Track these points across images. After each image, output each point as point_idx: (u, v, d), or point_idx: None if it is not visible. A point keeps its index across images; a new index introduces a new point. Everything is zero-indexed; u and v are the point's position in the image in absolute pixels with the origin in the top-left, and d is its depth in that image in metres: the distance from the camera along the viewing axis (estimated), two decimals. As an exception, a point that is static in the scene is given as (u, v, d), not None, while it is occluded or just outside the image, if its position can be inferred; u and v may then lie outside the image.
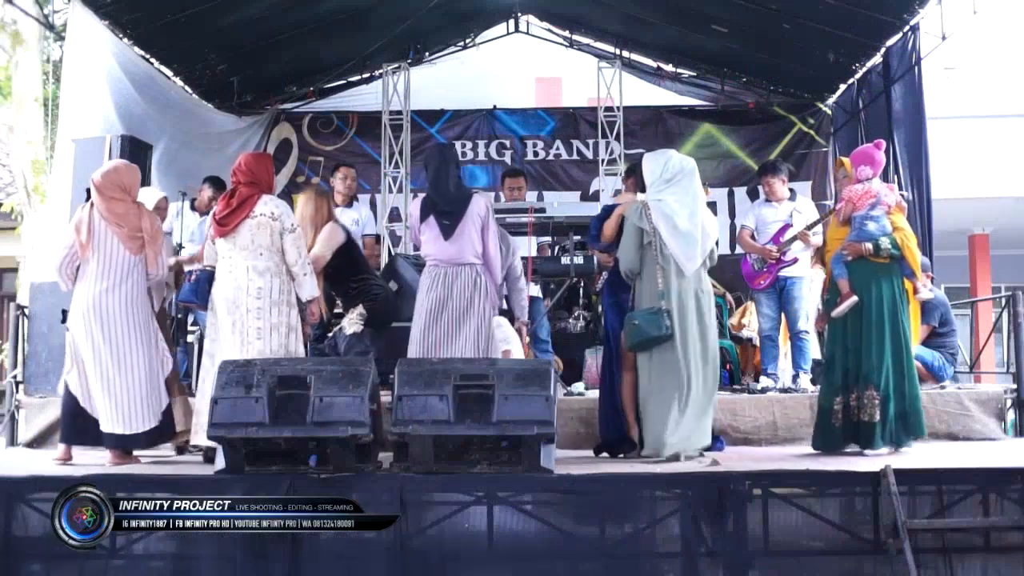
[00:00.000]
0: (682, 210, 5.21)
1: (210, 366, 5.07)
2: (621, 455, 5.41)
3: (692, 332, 5.18)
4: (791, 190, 7.41)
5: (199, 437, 5.09)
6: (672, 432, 5.03)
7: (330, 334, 5.88)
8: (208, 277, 5.19)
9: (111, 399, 5.05)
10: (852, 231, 5.63)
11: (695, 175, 5.33)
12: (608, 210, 5.72)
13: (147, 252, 5.14)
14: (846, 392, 5.47)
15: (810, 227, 6.96)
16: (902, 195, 6.14)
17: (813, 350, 7.08)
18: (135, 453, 5.22)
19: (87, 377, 5.10)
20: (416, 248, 5.96)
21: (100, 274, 5.10)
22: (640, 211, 5.26)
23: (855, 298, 5.46)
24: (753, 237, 7.20)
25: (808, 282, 7.15)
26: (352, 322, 5.34)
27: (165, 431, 5.24)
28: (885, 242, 5.48)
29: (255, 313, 5.05)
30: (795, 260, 7.02)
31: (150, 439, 5.17)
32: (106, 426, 5.06)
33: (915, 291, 5.67)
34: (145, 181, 7.10)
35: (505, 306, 6.13)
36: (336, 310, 6.17)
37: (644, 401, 5.20)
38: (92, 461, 5.16)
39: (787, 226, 7.04)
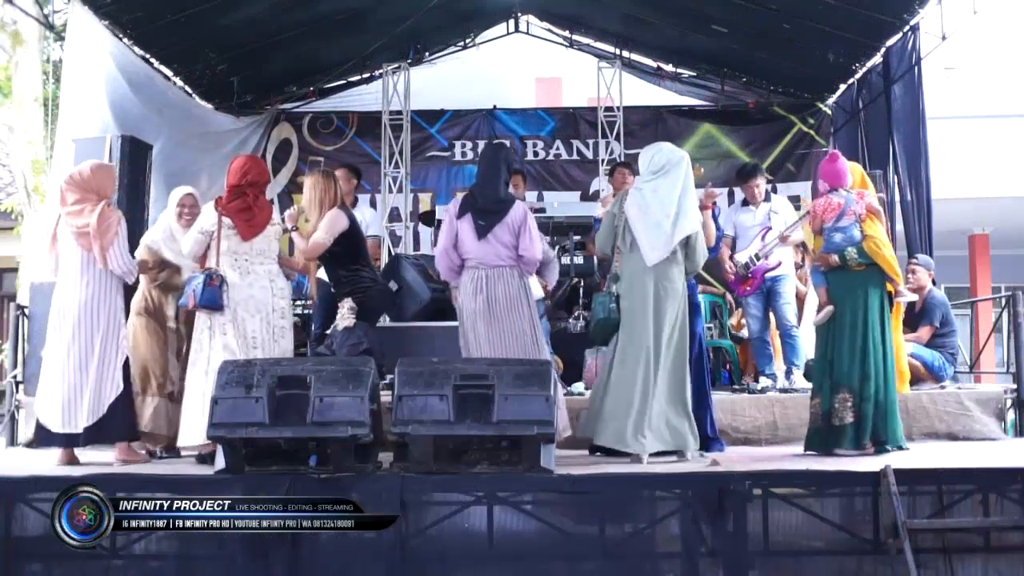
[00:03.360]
0: (655, 199, 5.19)
1: (204, 371, 5.11)
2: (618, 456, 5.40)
3: (641, 324, 5.12)
4: (766, 191, 7.41)
5: (184, 439, 5.13)
6: (602, 423, 5.11)
7: (328, 332, 5.86)
8: (223, 279, 5.17)
9: (64, 398, 5.08)
10: (822, 243, 5.71)
11: (681, 165, 5.27)
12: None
13: (94, 247, 5.11)
14: (823, 395, 5.52)
15: (789, 228, 6.97)
16: (880, 198, 6.14)
17: (807, 348, 7.07)
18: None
19: (46, 376, 5.18)
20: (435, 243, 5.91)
21: (60, 273, 5.22)
22: (621, 198, 5.36)
23: (830, 308, 5.57)
24: (733, 244, 7.19)
25: (792, 279, 7.16)
26: (343, 317, 5.34)
27: (109, 430, 5.16)
28: (851, 252, 5.53)
29: (280, 313, 5.24)
30: (779, 264, 7.02)
31: (93, 436, 5.13)
32: (55, 426, 5.08)
33: (896, 294, 5.69)
34: (146, 181, 7.15)
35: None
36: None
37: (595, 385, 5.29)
38: (93, 461, 5.17)
39: (766, 229, 7.04)
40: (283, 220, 5.49)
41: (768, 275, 7.01)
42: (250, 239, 5.19)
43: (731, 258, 7.12)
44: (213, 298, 5.11)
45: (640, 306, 5.15)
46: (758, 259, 7.00)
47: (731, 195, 10.65)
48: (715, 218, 6.21)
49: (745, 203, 7.31)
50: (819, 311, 5.70)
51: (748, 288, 7.06)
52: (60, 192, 5.27)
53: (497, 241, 5.30)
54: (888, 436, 5.41)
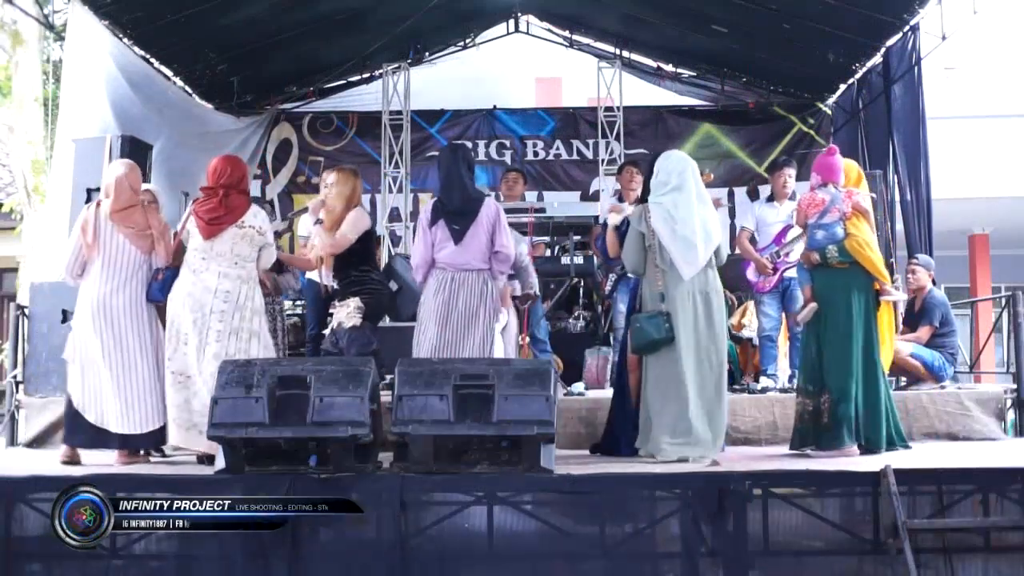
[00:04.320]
0: (678, 212, 5.19)
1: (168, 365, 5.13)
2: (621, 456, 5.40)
3: (691, 336, 5.13)
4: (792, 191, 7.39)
5: (172, 438, 5.11)
6: (672, 437, 5.04)
7: (326, 331, 5.85)
8: (176, 275, 5.19)
9: (121, 399, 5.07)
10: (807, 240, 5.69)
11: (688, 174, 5.28)
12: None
13: (158, 249, 5.19)
14: (807, 395, 5.52)
15: None
16: (872, 197, 6.11)
17: None
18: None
19: (95, 377, 5.11)
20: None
21: (106, 274, 5.13)
22: (641, 215, 5.31)
23: (814, 305, 5.53)
24: (754, 239, 7.18)
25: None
26: (351, 316, 5.34)
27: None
28: (832, 251, 5.48)
29: (218, 316, 5.07)
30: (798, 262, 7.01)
31: (155, 439, 5.19)
32: (115, 426, 5.07)
33: (882, 293, 5.65)
34: (145, 181, 7.14)
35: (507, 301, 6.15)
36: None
37: (647, 403, 5.20)
38: (93, 461, 5.16)
39: (788, 227, 7.03)
40: (290, 218, 5.50)
41: (788, 275, 6.99)
42: (208, 238, 5.12)
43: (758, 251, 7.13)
44: (156, 293, 5.18)
45: (692, 321, 5.15)
46: (778, 256, 7.01)
47: (731, 195, 10.71)
48: None
49: (770, 199, 7.31)
50: (801, 308, 5.68)
51: (766, 286, 7.06)
52: (114, 191, 5.21)
53: (475, 244, 5.23)
54: (874, 438, 5.37)
